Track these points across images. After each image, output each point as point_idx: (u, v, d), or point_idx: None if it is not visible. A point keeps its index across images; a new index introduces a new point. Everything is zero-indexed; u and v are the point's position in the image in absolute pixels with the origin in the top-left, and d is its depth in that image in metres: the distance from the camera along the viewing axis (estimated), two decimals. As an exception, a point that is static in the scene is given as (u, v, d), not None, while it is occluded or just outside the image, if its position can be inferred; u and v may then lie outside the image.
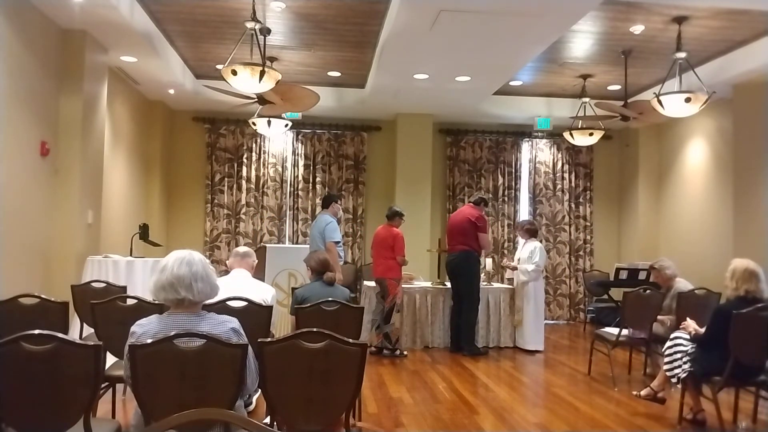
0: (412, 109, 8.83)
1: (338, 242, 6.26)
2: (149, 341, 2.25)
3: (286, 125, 7.55)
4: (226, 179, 9.32)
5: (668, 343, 4.29)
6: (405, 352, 6.70)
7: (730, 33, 6.17)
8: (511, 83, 8.00)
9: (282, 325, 5.89)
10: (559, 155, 9.96)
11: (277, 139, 9.36)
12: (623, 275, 7.90)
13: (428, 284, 7.45)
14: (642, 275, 7.81)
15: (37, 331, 2.24)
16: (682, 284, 5.37)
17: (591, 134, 7.64)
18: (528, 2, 5.01)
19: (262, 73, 5.17)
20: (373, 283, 7.30)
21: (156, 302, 3.02)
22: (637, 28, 6.02)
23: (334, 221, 6.34)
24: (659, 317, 5.33)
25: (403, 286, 7.20)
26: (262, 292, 3.91)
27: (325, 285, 4.18)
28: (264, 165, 9.40)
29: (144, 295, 4.11)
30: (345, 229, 9.42)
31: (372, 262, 7.02)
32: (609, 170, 10.09)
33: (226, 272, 4.26)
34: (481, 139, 9.79)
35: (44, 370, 2.22)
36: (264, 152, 9.41)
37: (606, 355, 5.55)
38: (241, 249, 4.29)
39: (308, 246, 6.49)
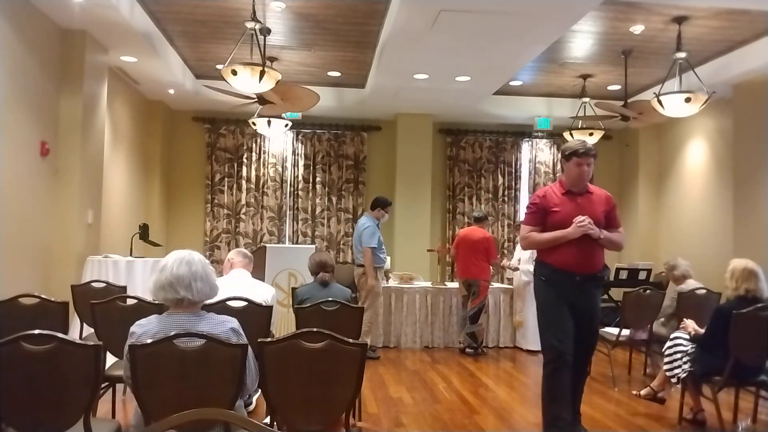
0: (412, 109, 8.83)
1: (375, 247, 6.45)
2: (149, 341, 2.26)
3: (286, 125, 7.55)
4: (226, 179, 9.32)
5: (668, 343, 4.29)
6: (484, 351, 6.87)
7: (730, 33, 6.17)
8: (511, 83, 8.00)
9: (282, 325, 5.89)
10: (559, 155, 9.92)
11: (277, 139, 9.36)
12: (623, 275, 7.89)
13: (428, 284, 7.45)
14: (642, 275, 7.81)
15: (37, 331, 2.24)
16: (691, 285, 5.36)
17: (591, 134, 7.64)
18: (528, 2, 5.01)
19: (262, 73, 5.17)
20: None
21: (156, 302, 3.02)
22: (637, 28, 6.02)
23: (372, 226, 6.53)
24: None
25: (403, 286, 7.22)
26: (262, 292, 3.91)
27: (320, 286, 4.19)
28: (264, 165, 9.40)
29: (144, 295, 4.11)
30: (345, 229, 9.42)
31: (457, 263, 7.07)
32: (609, 170, 10.08)
33: (221, 272, 4.27)
34: (481, 139, 9.79)
35: (44, 370, 2.22)
36: (264, 152, 9.41)
37: (606, 355, 5.55)
38: (243, 250, 4.33)
39: (312, 246, 6.61)
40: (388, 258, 7.15)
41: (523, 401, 5.01)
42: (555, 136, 9.59)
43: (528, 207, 3.86)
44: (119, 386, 3.98)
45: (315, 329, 2.42)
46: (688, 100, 5.66)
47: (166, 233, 8.95)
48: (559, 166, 9.90)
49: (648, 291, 5.40)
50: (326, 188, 9.48)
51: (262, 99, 6.61)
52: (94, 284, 4.61)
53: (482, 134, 9.77)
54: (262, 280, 5.54)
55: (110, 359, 3.21)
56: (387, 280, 7.05)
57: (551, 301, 3.68)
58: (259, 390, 2.53)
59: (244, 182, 9.32)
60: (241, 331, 2.45)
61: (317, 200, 9.46)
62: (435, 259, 7.98)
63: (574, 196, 3.71)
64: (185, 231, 9.20)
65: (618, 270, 8.01)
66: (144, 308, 3.41)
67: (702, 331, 4.09)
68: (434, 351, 6.99)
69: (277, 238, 9.33)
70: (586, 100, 7.75)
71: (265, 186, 9.38)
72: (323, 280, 4.21)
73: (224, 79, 5.34)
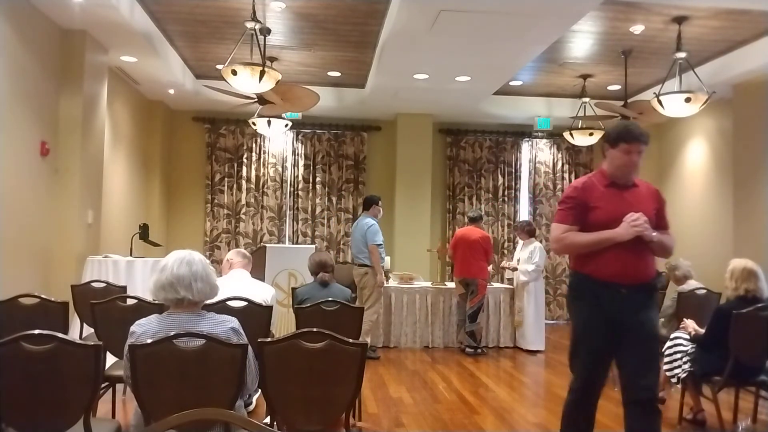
0: (412, 109, 8.83)
1: (380, 244, 6.46)
2: (149, 341, 2.25)
3: (286, 125, 7.55)
4: (226, 179, 9.32)
5: (668, 344, 4.28)
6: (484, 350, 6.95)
7: (730, 33, 6.17)
8: (511, 83, 8.00)
9: (282, 325, 5.89)
10: (559, 155, 9.96)
11: (277, 139, 9.36)
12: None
13: (428, 284, 7.45)
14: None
15: (37, 331, 2.24)
16: (692, 285, 5.36)
17: (591, 134, 7.64)
18: (528, 2, 5.01)
19: (262, 73, 5.17)
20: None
21: (156, 302, 3.02)
22: (637, 28, 6.02)
23: (375, 224, 6.55)
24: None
25: (403, 286, 7.22)
26: (262, 292, 3.91)
27: (320, 286, 4.19)
28: (264, 165, 9.40)
29: (144, 295, 4.11)
30: (345, 229, 9.42)
31: (455, 263, 7.05)
32: (609, 170, 10.08)
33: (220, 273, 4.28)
34: (481, 139, 9.79)
35: (44, 370, 2.22)
36: (264, 152, 9.41)
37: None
38: (241, 251, 4.34)
39: (312, 246, 6.58)
40: (388, 258, 7.15)
41: (523, 401, 5.01)
42: (555, 136, 9.59)
43: (563, 201, 3.05)
44: (119, 386, 3.98)
45: (315, 329, 2.42)
46: (688, 100, 5.66)
47: (166, 233, 8.95)
48: (559, 166, 9.89)
49: (648, 291, 5.38)
50: (326, 188, 9.48)
51: (262, 99, 6.61)
52: (94, 284, 4.61)
53: (482, 134, 9.77)
54: (262, 280, 5.54)
55: (110, 359, 3.21)
56: (387, 280, 7.05)
57: (586, 320, 2.99)
58: (259, 390, 2.53)
59: (244, 182, 9.32)
60: (242, 331, 2.44)
61: (317, 200, 9.46)
62: (435, 259, 7.98)
63: (619, 189, 3.01)
64: (185, 231, 9.20)
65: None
66: (144, 308, 3.41)
67: (702, 331, 4.09)
68: (434, 351, 6.99)
69: (277, 238, 9.33)
70: (586, 100, 7.75)
71: (265, 186, 9.38)
72: (323, 280, 4.21)
73: (224, 79, 5.34)
